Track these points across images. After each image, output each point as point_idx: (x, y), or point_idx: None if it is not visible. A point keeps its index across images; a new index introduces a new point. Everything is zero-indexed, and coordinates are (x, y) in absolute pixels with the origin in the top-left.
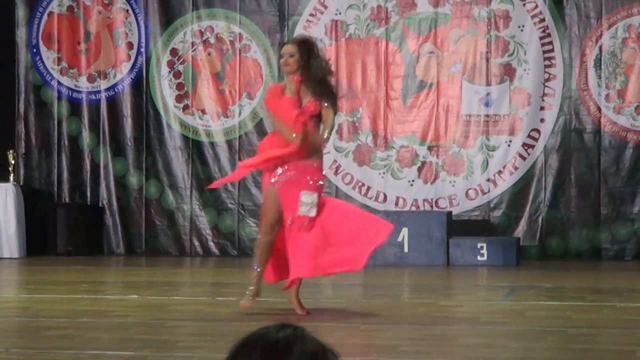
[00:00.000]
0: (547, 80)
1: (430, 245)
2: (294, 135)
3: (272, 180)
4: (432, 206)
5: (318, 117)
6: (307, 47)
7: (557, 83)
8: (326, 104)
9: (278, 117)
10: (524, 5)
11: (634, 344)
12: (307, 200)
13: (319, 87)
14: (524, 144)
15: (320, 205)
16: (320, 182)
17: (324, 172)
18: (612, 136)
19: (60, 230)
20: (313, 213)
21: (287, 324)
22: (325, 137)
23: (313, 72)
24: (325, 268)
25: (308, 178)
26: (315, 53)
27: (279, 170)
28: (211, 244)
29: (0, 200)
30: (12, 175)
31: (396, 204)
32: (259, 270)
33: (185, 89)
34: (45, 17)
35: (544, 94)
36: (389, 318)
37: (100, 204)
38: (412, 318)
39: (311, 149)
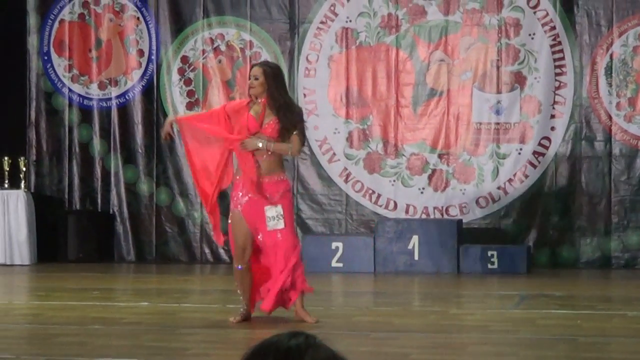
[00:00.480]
0: (558, 88)
1: (441, 253)
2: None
3: (235, 204)
4: (442, 214)
5: (279, 139)
6: (272, 72)
7: (568, 91)
8: (295, 132)
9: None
10: (535, 13)
11: None
12: (272, 214)
13: (282, 112)
14: (534, 152)
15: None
16: (281, 192)
17: (283, 178)
18: (623, 144)
19: (70, 237)
20: (282, 225)
21: (299, 331)
22: (289, 151)
23: (276, 97)
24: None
25: (268, 195)
26: (280, 79)
27: (240, 194)
28: (221, 251)
29: (12, 207)
30: (23, 182)
31: (406, 212)
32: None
33: (196, 96)
34: (56, 24)
35: (555, 102)
36: (399, 326)
37: (111, 211)
38: (422, 326)
39: (272, 165)
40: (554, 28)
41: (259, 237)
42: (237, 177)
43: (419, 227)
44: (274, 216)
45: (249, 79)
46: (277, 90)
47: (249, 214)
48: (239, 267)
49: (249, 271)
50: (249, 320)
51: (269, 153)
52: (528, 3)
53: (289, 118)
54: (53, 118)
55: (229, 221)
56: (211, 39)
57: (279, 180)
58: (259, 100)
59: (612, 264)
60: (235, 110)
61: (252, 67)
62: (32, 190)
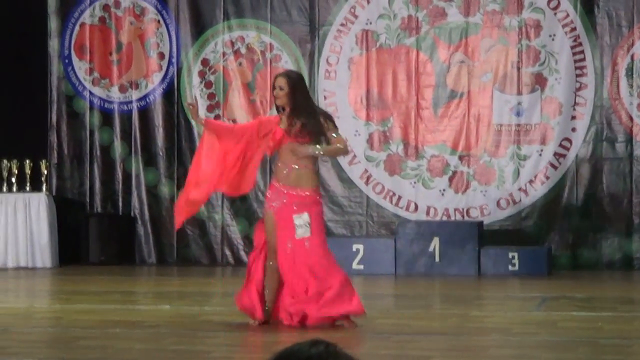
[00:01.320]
0: (579, 89)
1: (462, 255)
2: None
3: (268, 205)
4: (463, 216)
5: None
6: (296, 80)
7: (589, 92)
8: (334, 135)
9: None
10: (555, 14)
11: None
12: (299, 222)
13: (308, 118)
14: (555, 153)
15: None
16: (306, 201)
17: (309, 193)
18: None
19: (92, 240)
20: (309, 233)
21: (320, 340)
22: (340, 150)
23: (301, 105)
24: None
25: (294, 206)
26: (303, 86)
27: (272, 196)
28: (242, 253)
29: (33, 210)
30: (44, 185)
31: (427, 214)
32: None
33: (217, 99)
34: (77, 28)
35: (576, 103)
36: (420, 329)
37: (132, 214)
38: (443, 329)
39: (302, 178)
40: (574, 29)
41: (288, 245)
42: (274, 180)
43: (440, 228)
44: (302, 224)
45: (273, 89)
46: (302, 98)
47: (280, 220)
48: (270, 262)
49: (277, 271)
50: (268, 323)
51: (303, 165)
52: (548, 4)
53: (315, 123)
54: (74, 121)
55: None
56: (231, 41)
57: (305, 196)
58: (285, 112)
59: (633, 265)
60: (267, 124)
61: (275, 78)
62: (54, 194)
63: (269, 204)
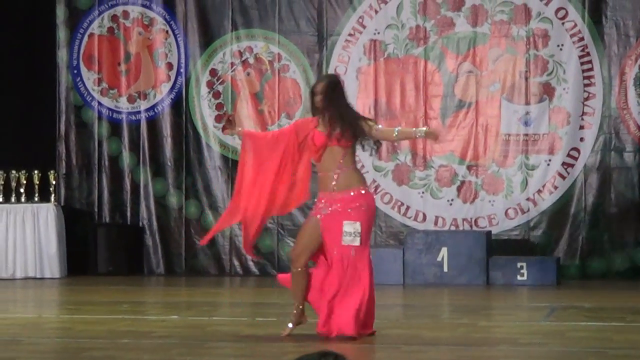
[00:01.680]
0: (587, 99)
1: (470, 264)
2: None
3: (316, 212)
4: (471, 225)
5: (350, 148)
6: (333, 85)
7: (597, 102)
8: (379, 126)
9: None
10: (563, 24)
11: None
12: (349, 230)
13: (347, 122)
14: (563, 163)
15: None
16: (362, 207)
17: (363, 191)
18: None
19: (100, 250)
20: (357, 242)
21: (328, 351)
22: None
23: (339, 109)
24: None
25: (349, 210)
26: (340, 89)
27: (322, 204)
28: (251, 263)
29: (42, 220)
30: (53, 195)
31: (435, 224)
32: (299, 307)
33: (225, 109)
34: (85, 38)
35: (584, 113)
36: (428, 339)
37: (141, 224)
38: (451, 339)
39: (347, 180)
40: (582, 39)
41: (334, 252)
42: (319, 192)
43: (448, 238)
44: (351, 232)
45: (313, 95)
46: (340, 102)
47: (329, 227)
48: (292, 269)
49: (304, 275)
50: (304, 323)
51: (346, 168)
52: (556, 14)
53: (355, 126)
54: (82, 131)
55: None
56: (240, 51)
57: (361, 194)
58: (325, 116)
59: None
60: (304, 125)
61: (314, 84)
62: (62, 204)
63: (317, 212)
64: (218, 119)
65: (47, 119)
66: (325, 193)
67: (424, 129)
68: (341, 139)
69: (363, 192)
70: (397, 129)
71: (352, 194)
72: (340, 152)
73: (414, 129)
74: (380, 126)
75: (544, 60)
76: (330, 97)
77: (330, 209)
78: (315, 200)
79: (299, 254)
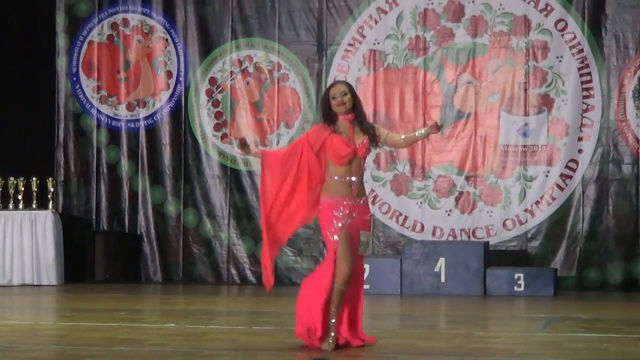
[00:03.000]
0: (585, 111)
1: (467, 275)
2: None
3: (340, 224)
4: (469, 236)
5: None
6: (353, 88)
7: (595, 114)
8: (387, 132)
9: (328, 155)
10: (563, 36)
11: None
12: (365, 240)
13: (368, 128)
14: (561, 175)
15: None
16: (370, 217)
17: (365, 200)
18: None
19: (98, 257)
20: (367, 252)
21: (323, 358)
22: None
23: (361, 112)
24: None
25: (366, 218)
26: (356, 93)
27: (340, 213)
28: (248, 272)
29: (39, 227)
30: (51, 202)
31: (433, 234)
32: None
33: (224, 117)
34: (85, 46)
35: (582, 125)
36: (425, 349)
37: (138, 232)
38: (448, 349)
39: (361, 187)
40: (581, 51)
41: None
42: (329, 197)
43: (446, 249)
44: (365, 242)
45: (333, 98)
46: (361, 107)
47: (353, 236)
48: (343, 287)
49: (344, 297)
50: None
51: (360, 174)
52: (556, 26)
53: (373, 134)
54: (81, 139)
55: (335, 238)
56: (239, 60)
57: (366, 204)
58: (344, 120)
59: (639, 286)
60: (317, 134)
61: (332, 85)
62: (60, 211)
63: (342, 221)
64: (217, 127)
65: (46, 126)
66: (344, 198)
67: (425, 129)
68: (366, 148)
69: (365, 200)
70: (402, 136)
71: (360, 205)
72: (363, 160)
73: (416, 133)
74: (388, 132)
75: (543, 71)
76: (356, 100)
77: (350, 218)
78: (326, 204)
79: (349, 272)
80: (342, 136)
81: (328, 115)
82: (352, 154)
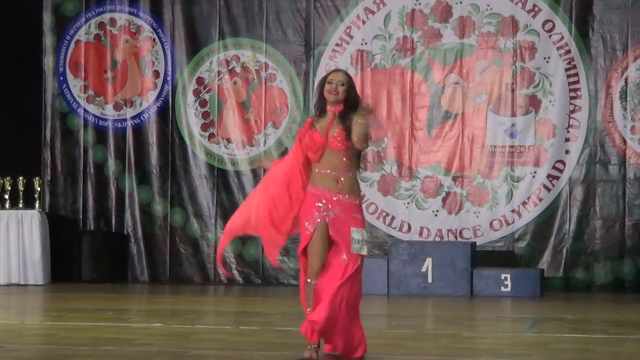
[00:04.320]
0: (573, 111)
1: (454, 275)
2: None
3: (319, 216)
4: (456, 237)
5: (347, 150)
6: (353, 82)
7: (583, 115)
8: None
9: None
10: (550, 36)
11: None
12: (358, 237)
13: (346, 119)
14: (548, 175)
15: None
16: (362, 219)
17: (358, 204)
18: (637, 168)
19: (84, 257)
20: (365, 251)
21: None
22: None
23: (351, 108)
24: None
25: (353, 215)
26: (355, 90)
27: (322, 205)
28: (235, 272)
29: (26, 227)
30: (37, 202)
31: (420, 234)
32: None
33: (211, 117)
34: (72, 45)
35: (569, 126)
36: (412, 349)
37: (125, 232)
38: (435, 349)
39: (350, 185)
40: (569, 52)
41: (343, 257)
42: (314, 188)
43: (433, 249)
44: (359, 240)
45: (329, 82)
46: (354, 103)
47: (339, 231)
48: (311, 280)
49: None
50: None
51: (350, 171)
52: (543, 26)
53: (349, 126)
54: (68, 138)
55: (309, 231)
56: (227, 60)
57: (358, 206)
58: (330, 111)
59: (625, 287)
60: (304, 132)
61: (334, 70)
62: (47, 211)
63: (320, 214)
64: (204, 127)
65: (33, 125)
66: (328, 192)
67: (359, 116)
68: (339, 140)
69: (358, 203)
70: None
71: (357, 203)
72: (343, 153)
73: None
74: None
75: (531, 72)
76: (354, 93)
77: (333, 212)
78: (310, 193)
79: (322, 265)
80: (317, 131)
81: (319, 101)
82: (323, 147)
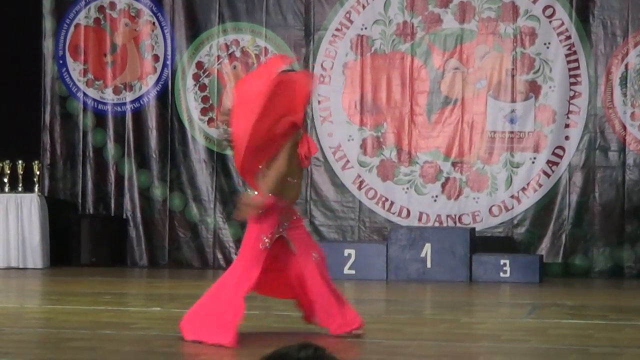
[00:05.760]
0: (573, 97)
1: (453, 261)
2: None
3: (270, 235)
4: (455, 222)
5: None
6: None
7: (583, 101)
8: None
9: None
10: (550, 22)
11: None
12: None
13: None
14: (548, 161)
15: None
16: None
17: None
18: (637, 154)
19: (84, 241)
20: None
21: (309, 343)
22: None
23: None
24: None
25: (295, 217)
26: None
27: (283, 218)
28: (234, 256)
29: (25, 210)
30: (36, 186)
31: (419, 220)
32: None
33: (211, 102)
34: (72, 28)
35: (569, 112)
36: (410, 334)
37: (124, 216)
38: (433, 334)
39: (297, 193)
40: (569, 37)
41: (314, 255)
42: (279, 200)
43: (432, 235)
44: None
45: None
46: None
47: (297, 237)
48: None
49: None
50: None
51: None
52: (544, 12)
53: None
54: (67, 122)
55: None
56: (226, 44)
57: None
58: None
59: (624, 273)
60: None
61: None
62: (46, 194)
63: (279, 227)
64: (204, 111)
65: (32, 109)
66: (287, 202)
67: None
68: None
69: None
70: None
71: (295, 209)
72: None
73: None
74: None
75: (531, 58)
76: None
77: (287, 222)
78: (276, 214)
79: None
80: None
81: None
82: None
